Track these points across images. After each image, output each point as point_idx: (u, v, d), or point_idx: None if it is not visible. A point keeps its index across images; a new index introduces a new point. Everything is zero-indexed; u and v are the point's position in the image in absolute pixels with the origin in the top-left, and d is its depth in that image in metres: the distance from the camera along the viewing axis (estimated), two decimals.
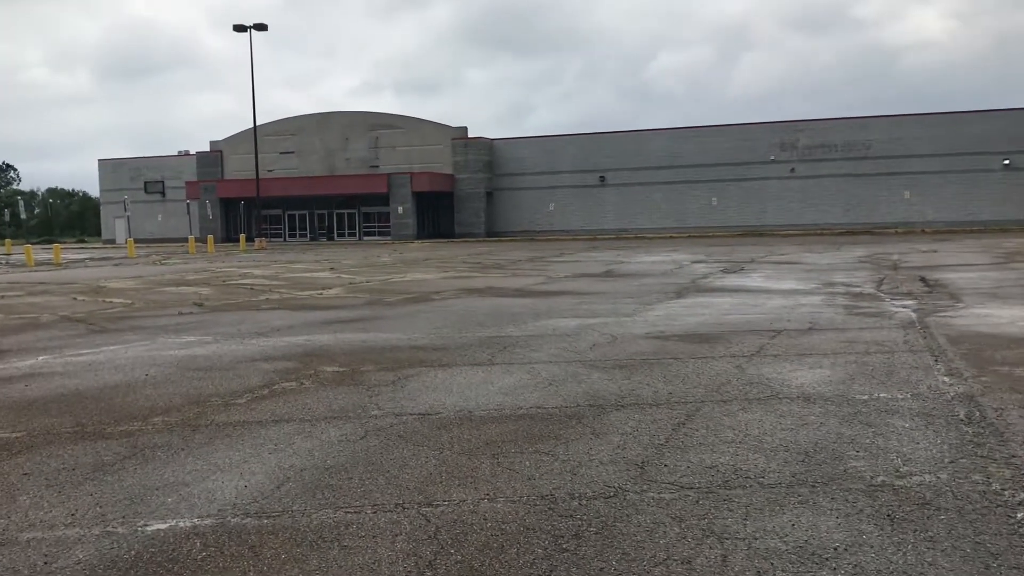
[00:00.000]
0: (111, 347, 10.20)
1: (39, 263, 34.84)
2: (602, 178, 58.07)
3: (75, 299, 17.21)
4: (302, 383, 7.54)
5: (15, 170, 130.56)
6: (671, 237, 51.68)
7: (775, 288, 17.14)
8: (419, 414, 6.16)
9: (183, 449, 5.29)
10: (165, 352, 9.64)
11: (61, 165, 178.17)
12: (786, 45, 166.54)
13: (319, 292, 18.09)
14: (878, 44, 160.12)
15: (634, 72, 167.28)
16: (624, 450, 5.08)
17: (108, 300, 16.78)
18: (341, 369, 8.25)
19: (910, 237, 43.89)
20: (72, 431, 5.86)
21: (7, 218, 45.17)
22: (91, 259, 39.82)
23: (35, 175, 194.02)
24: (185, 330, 11.78)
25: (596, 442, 5.27)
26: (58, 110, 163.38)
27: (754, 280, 19.47)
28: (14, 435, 5.79)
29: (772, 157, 54.36)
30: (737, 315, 12.62)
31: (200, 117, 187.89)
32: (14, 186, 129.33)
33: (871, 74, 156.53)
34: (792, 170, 54.06)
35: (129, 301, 16.46)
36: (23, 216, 44.55)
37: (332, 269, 26.19)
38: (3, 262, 37.38)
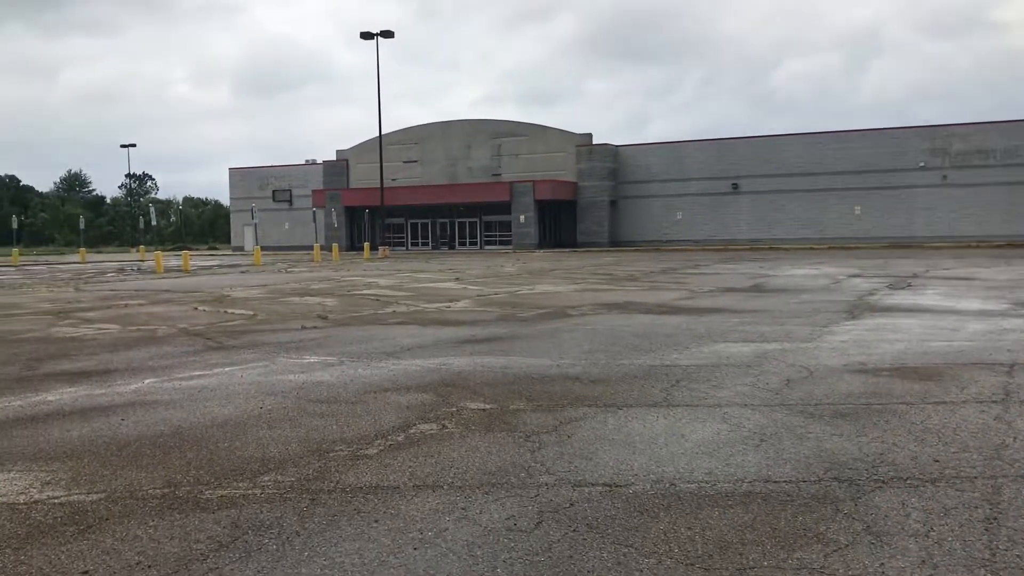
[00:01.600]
0: (226, 368, 9.07)
1: (168, 270, 35.13)
2: (735, 185, 55.43)
3: (196, 309, 16.48)
4: (444, 426, 6.12)
5: (152, 179, 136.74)
6: (810, 248, 48.67)
7: (963, 309, 14.90)
8: (604, 484, 4.61)
9: (298, 535, 3.90)
10: (284, 376, 8.42)
11: (197, 176, 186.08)
12: (917, 50, 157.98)
13: (447, 304, 16.84)
14: (1019, 48, 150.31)
15: (757, 80, 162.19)
16: (937, 570, 3.39)
17: (230, 311, 15.96)
18: (487, 406, 6.80)
19: None
20: (162, 494, 4.57)
21: (142, 225, 46.27)
22: (219, 266, 40.12)
23: (172, 185, 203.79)
24: (307, 348, 10.62)
25: (882, 550, 3.60)
26: (197, 124, 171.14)
27: (930, 299, 17.19)
28: (91, 497, 4.55)
29: (922, 164, 50.60)
30: (940, 342, 10.62)
31: (329, 129, 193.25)
32: (151, 195, 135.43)
33: (1010, 78, 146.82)
34: (944, 177, 50.18)
35: (251, 312, 15.58)
36: (154, 223, 45.55)
37: (457, 279, 25.04)
38: (135, 268, 37.97)
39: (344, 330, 12.69)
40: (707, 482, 4.64)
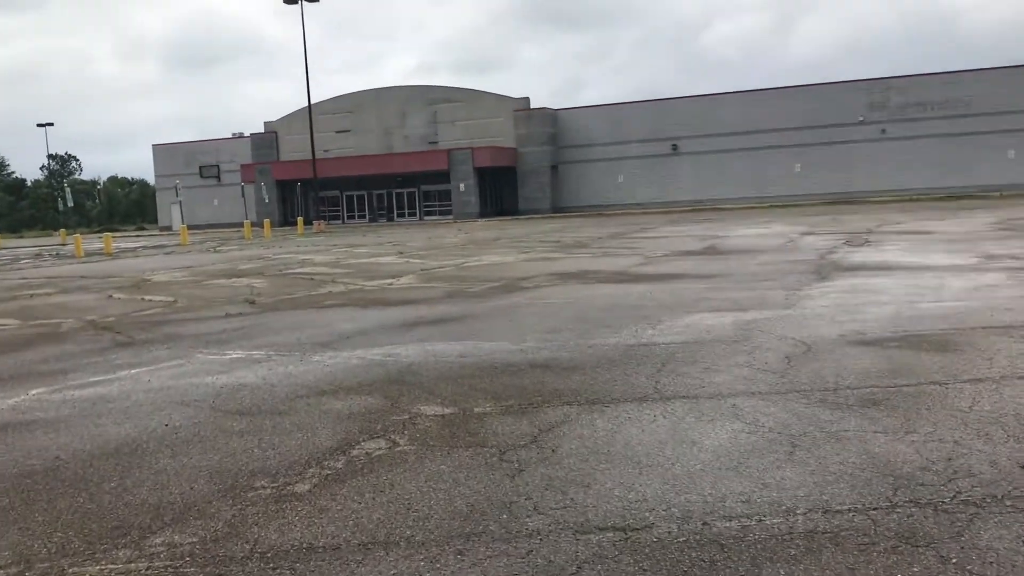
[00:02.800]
0: (132, 371, 7.71)
1: (90, 253, 33.03)
2: (674, 147, 54.64)
3: (111, 297, 14.91)
4: (395, 442, 4.91)
5: (76, 160, 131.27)
6: (752, 208, 48.19)
7: (934, 264, 14.16)
8: (615, 528, 3.46)
9: None
10: (200, 379, 7.11)
11: (125, 155, 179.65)
12: (843, 7, 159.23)
13: (389, 282, 15.55)
14: (943, 3, 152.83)
15: (688, 42, 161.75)
16: None
17: (147, 298, 14.44)
18: (447, 411, 5.60)
19: (1018, 200, 39.89)
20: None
21: (61, 207, 43.66)
22: (143, 248, 38.02)
23: (100, 166, 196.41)
24: (231, 340, 9.28)
25: None
26: (123, 102, 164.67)
27: (895, 255, 16.45)
28: None
29: (861, 118, 50.37)
30: (929, 303, 9.76)
31: (262, 103, 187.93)
32: (75, 176, 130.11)
33: (935, 33, 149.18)
34: (883, 131, 50.02)
35: (171, 298, 14.09)
36: (70, 204, 42.98)
37: (400, 253, 23.68)
38: (53, 253, 35.72)
39: (274, 316, 11.34)
40: (749, 517, 3.52)
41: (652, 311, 10.08)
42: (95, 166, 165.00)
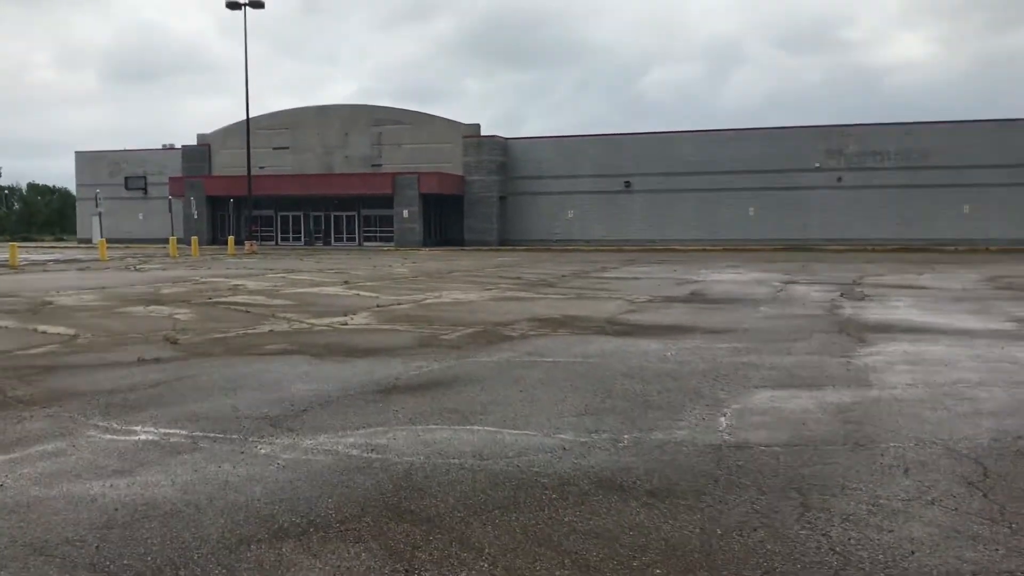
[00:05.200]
0: None
1: None
2: (627, 183, 52.98)
3: None
4: None
5: None
6: (706, 250, 46.75)
7: (973, 328, 12.35)
8: None
9: None
10: (85, 487, 4.60)
11: (53, 163, 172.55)
12: (773, 63, 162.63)
13: (342, 320, 13.05)
14: (862, 63, 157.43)
15: (626, 85, 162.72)
16: None
17: (43, 329, 11.67)
18: None
19: (976, 256, 39.14)
20: None
21: None
22: (56, 261, 34.55)
23: (26, 172, 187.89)
24: (140, 405, 6.74)
25: None
26: (57, 110, 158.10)
27: (914, 314, 14.66)
28: None
29: (817, 164, 49.42)
30: None
31: (199, 119, 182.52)
32: None
33: (857, 90, 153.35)
34: (839, 179, 49.14)
35: (73, 331, 11.36)
36: None
37: (346, 284, 21.10)
38: None
39: (202, 365, 8.78)
40: None
41: (697, 383, 7.89)
42: (22, 172, 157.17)
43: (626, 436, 5.83)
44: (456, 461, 5.14)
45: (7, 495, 4.48)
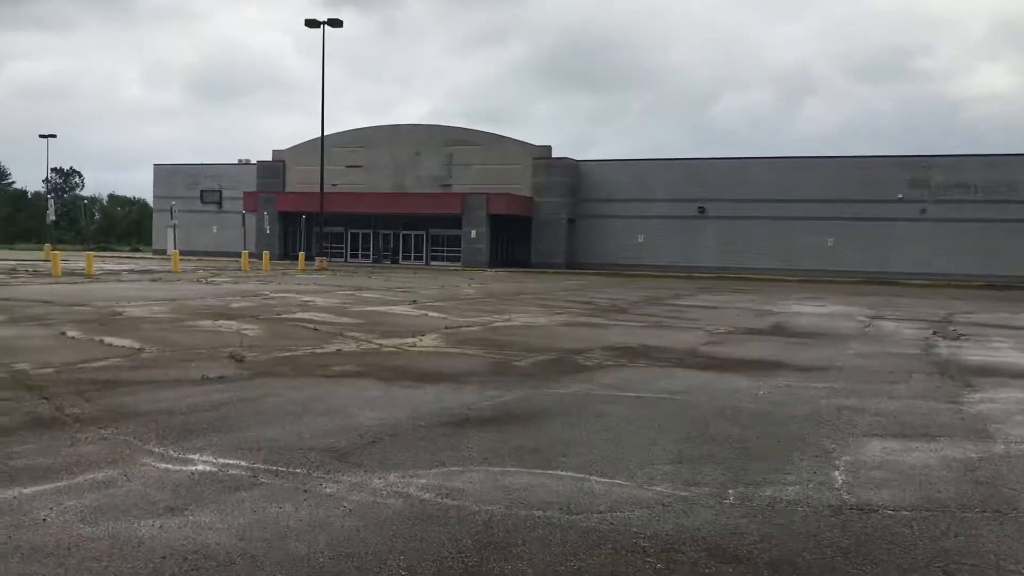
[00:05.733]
0: (24, 489, 4.75)
1: (69, 272, 30.07)
2: (701, 209, 51.94)
3: (63, 335, 11.94)
4: None
5: (80, 175, 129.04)
6: (782, 280, 45.41)
7: None
8: None
9: None
10: (131, 526, 4.15)
11: (133, 175, 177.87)
12: (846, 92, 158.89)
13: (410, 341, 12.60)
14: (936, 93, 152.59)
15: (697, 111, 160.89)
16: None
17: (109, 341, 11.46)
18: None
19: None
20: None
21: (49, 221, 40.88)
22: (130, 271, 35.03)
23: (109, 183, 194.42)
24: (200, 430, 6.32)
25: None
26: (141, 125, 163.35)
27: (1020, 358, 13.66)
28: None
29: (900, 195, 47.78)
30: None
31: (275, 135, 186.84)
32: (77, 191, 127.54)
33: (929, 123, 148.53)
34: (923, 211, 47.37)
35: (138, 345, 11.11)
36: (52, 218, 40.13)
37: (413, 303, 20.73)
38: (31, 270, 32.71)
39: (267, 385, 8.37)
40: None
41: (798, 428, 7.20)
42: (104, 184, 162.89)
43: (731, 491, 5.18)
44: (541, 514, 4.56)
45: (48, 533, 4.05)
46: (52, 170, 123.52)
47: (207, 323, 14.26)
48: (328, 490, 4.90)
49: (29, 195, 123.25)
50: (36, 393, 7.56)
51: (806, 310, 23.11)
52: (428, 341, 12.81)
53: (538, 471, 5.47)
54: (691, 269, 50.29)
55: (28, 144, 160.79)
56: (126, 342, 11.31)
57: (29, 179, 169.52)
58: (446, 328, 14.80)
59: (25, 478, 4.96)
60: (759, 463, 5.94)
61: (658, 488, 5.18)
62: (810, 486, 5.39)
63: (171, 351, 10.65)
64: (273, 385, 8.44)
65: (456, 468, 5.48)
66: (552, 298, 24.88)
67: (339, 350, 11.35)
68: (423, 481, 5.14)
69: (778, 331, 16.81)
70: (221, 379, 8.68)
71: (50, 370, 8.86)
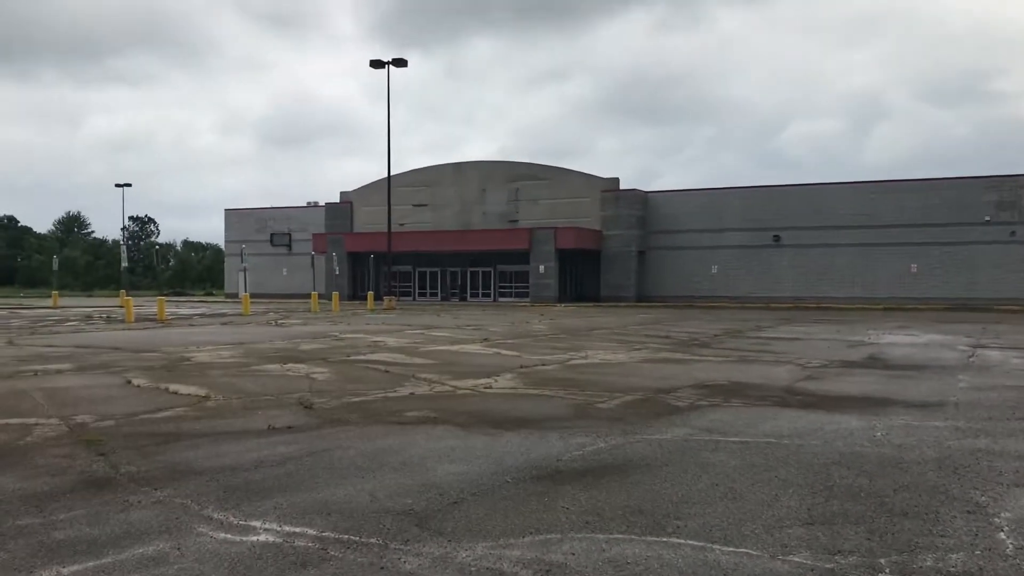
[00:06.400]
0: (63, 568, 4.14)
1: (141, 319, 30.24)
2: (776, 237, 50.49)
3: (129, 383, 11.55)
4: None
5: (155, 223, 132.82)
6: (863, 308, 43.68)
7: None
8: None
9: None
10: None
11: (207, 222, 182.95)
12: (918, 116, 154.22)
13: (485, 382, 11.91)
14: (1015, 116, 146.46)
15: (763, 140, 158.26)
16: None
17: (175, 388, 11.01)
18: None
19: None
20: None
21: (124, 266, 41.56)
22: (201, 315, 35.20)
23: (182, 230, 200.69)
24: (266, 490, 5.69)
25: None
26: (215, 172, 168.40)
27: None
28: None
29: (987, 218, 45.72)
30: None
31: (342, 178, 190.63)
32: (153, 238, 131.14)
33: (1007, 146, 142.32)
34: (1013, 233, 45.21)
35: (204, 392, 10.63)
36: (125, 265, 40.77)
37: (485, 341, 20.08)
38: (104, 316, 33.07)
39: (337, 436, 7.74)
40: None
41: (936, 478, 6.29)
42: (180, 231, 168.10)
43: (883, 561, 4.33)
44: None
45: None
46: (130, 218, 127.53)
47: (275, 367, 13.79)
48: (408, 566, 4.20)
49: (108, 243, 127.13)
50: (93, 449, 7.05)
51: (899, 340, 21.82)
52: (504, 382, 12.10)
53: (650, 538, 4.68)
54: (767, 299, 48.80)
55: (108, 194, 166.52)
56: (192, 389, 10.85)
57: (108, 228, 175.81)
58: (521, 367, 14.09)
59: (66, 553, 4.37)
60: (904, 522, 5.07)
61: (796, 559, 4.35)
62: (976, 553, 4.50)
63: (237, 398, 10.13)
64: (343, 435, 7.81)
65: (554, 535, 4.73)
66: (627, 333, 24.00)
67: (411, 393, 10.71)
68: (517, 553, 4.40)
69: (875, 363, 15.70)
70: (289, 429, 8.09)
71: (110, 422, 8.38)
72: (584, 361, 15.45)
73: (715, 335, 23.15)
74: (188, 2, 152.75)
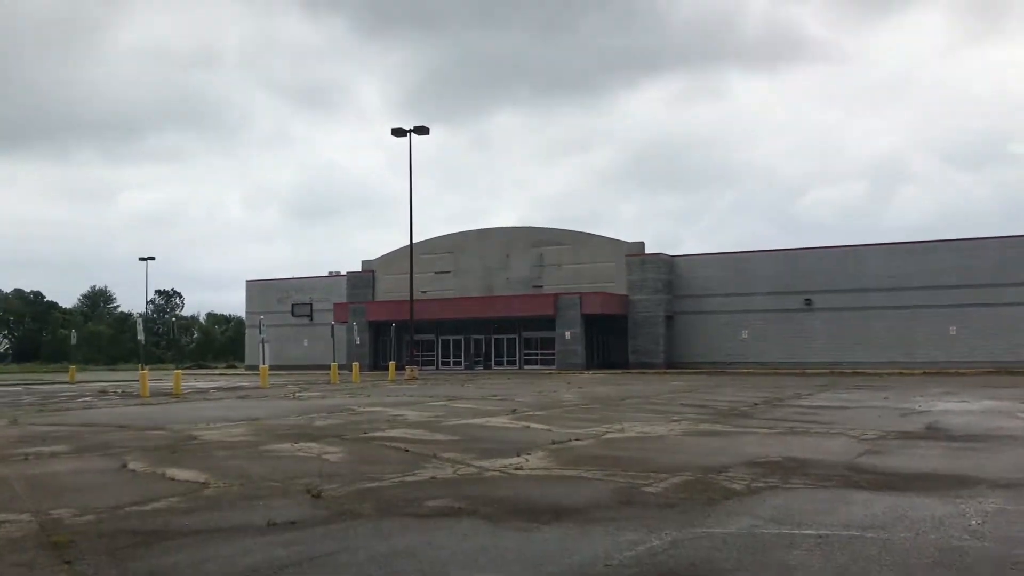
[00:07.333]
0: None
1: (157, 393, 29.35)
2: (808, 301, 49.15)
3: (125, 468, 10.54)
4: None
5: (180, 296, 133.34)
6: (901, 373, 42.09)
7: None
8: None
9: None
10: None
11: (231, 295, 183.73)
12: (940, 179, 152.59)
13: (515, 462, 10.79)
14: None
15: (785, 206, 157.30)
16: None
17: (173, 473, 9.98)
18: None
19: None
20: None
21: (141, 338, 41.08)
22: (219, 388, 34.29)
23: (206, 303, 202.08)
24: None
25: None
26: (240, 245, 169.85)
27: None
28: None
29: None
30: None
31: (365, 248, 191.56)
32: (177, 311, 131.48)
33: None
34: None
35: (203, 478, 9.59)
36: (140, 338, 40.25)
37: (513, 413, 18.95)
38: (119, 391, 32.23)
39: (345, 534, 6.67)
40: None
41: None
42: (201, 302, 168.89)
43: None
44: None
45: None
46: (156, 292, 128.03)
47: (286, 446, 12.74)
48: None
49: (132, 317, 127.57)
50: (59, 554, 6.01)
51: (952, 407, 20.47)
52: (535, 461, 10.98)
53: None
54: (800, 365, 47.28)
55: (134, 269, 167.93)
56: (191, 475, 9.81)
57: (134, 302, 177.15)
58: (553, 443, 12.95)
59: None
60: None
61: None
62: None
63: (239, 485, 9.08)
64: (353, 533, 6.73)
65: None
66: (662, 402, 22.78)
67: (433, 477, 9.61)
68: None
69: (936, 434, 14.44)
70: (292, 524, 7.02)
71: (90, 517, 7.35)
72: (621, 435, 14.31)
73: (754, 404, 21.87)
74: (220, 81, 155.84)
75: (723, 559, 5.83)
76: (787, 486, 8.96)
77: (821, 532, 6.70)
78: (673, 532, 6.67)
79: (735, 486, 8.93)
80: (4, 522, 7.15)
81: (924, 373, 41.70)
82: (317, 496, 8.34)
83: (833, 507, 7.82)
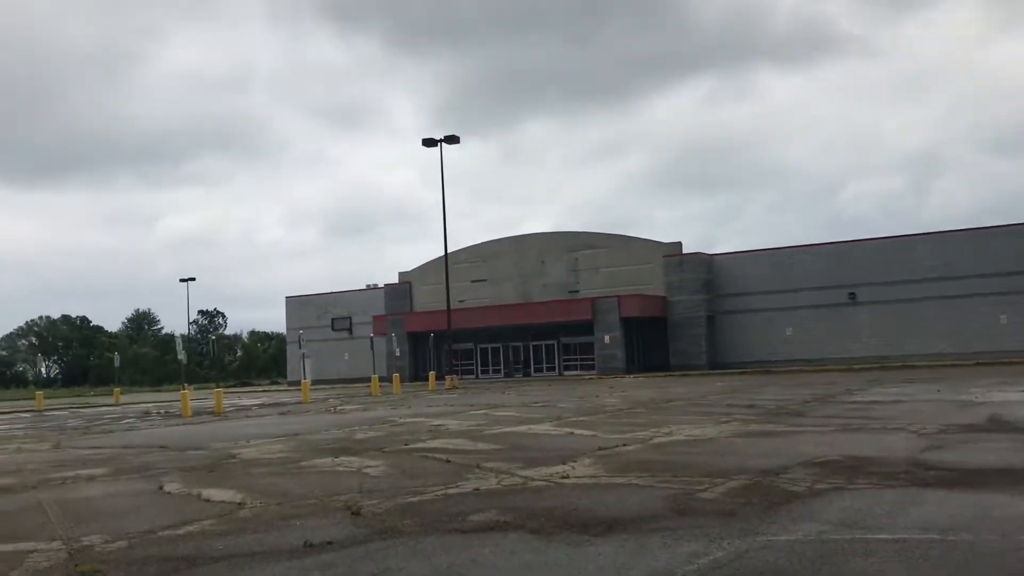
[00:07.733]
0: None
1: (199, 412, 29.32)
2: (852, 295, 48.16)
3: (160, 490, 10.27)
4: None
5: (223, 316, 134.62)
6: (953, 364, 40.96)
7: None
8: None
9: None
10: None
11: (272, 312, 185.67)
12: (979, 169, 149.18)
13: (561, 471, 10.36)
14: None
15: (823, 202, 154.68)
16: None
17: (208, 494, 9.69)
18: None
19: None
20: None
21: (181, 359, 41.30)
22: (260, 405, 34.23)
23: (249, 321, 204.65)
24: None
25: None
26: (280, 263, 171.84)
27: None
28: None
29: None
30: None
31: (402, 261, 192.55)
32: (221, 331, 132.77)
33: None
34: None
35: (239, 498, 9.28)
36: (180, 357, 40.52)
37: (556, 420, 18.50)
38: (163, 412, 32.28)
39: (385, 554, 6.29)
40: None
41: None
42: (243, 321, 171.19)
43: None
44: None
45: None
46: (199, 312, 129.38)
47: (326, 461, 12.43)
48: None
49: (176, 338, 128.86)
50: None
51: (1011, 397, 19.70)
52: (582, 468, 10.54)
53: None
54: (847, 360, 46.26)
55: (177, 291, 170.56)
56: (227, 495, 9.51)
57: (177, 323, 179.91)
58: (600, 449, 12.50)
59: None
60: None
61: None
62: None
63: (276, 504, 8.75)
64: (393, 552, 6.35)
65: None
66: (708, 403, 22.20)
67: (476, 489, 9.21)
68: None
69: (1001, 426, 13.79)
70: (329, 545, 6.66)
71: (122, 543, 7.05)
72: (669, 439, 13.80)
73: (805, 401, 21.22)
74: (254, 104, 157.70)
75: (794, 571, 5.36)
76: (852, 487, 8.44)
77: (897, 536, 6.20)
78: (736, 541, 6.21)
79: (796, 488, 8.43)
80: (33, 551, 6.87)
81: (976, 364, 40.56)
82: (357, 513, 7.98)
83: (904, 508, 7.30)
